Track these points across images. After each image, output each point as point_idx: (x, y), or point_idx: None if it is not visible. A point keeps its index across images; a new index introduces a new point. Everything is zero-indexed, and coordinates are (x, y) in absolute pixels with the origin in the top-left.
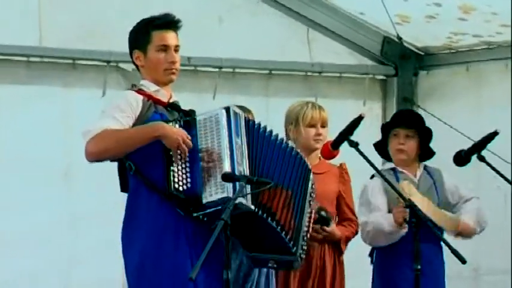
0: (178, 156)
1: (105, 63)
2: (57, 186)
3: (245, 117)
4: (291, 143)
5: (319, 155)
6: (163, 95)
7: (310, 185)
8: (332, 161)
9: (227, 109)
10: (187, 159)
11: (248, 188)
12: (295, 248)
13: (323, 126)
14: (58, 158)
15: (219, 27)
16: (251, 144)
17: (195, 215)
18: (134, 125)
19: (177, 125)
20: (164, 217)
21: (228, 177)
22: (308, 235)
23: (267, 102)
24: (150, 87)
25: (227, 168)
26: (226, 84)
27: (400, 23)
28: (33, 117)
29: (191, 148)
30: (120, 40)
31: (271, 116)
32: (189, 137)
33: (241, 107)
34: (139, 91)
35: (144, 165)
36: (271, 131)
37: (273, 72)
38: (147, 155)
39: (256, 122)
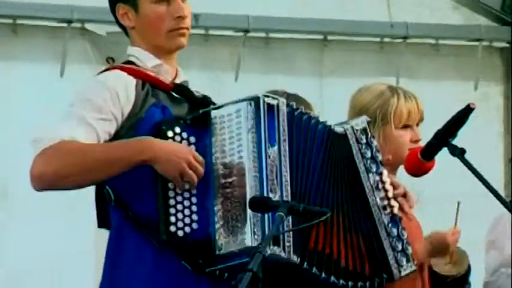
0: (181, 187)
1: (65, 24)
2: None
3: (290, 109)
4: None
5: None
6: (166, 71)
7: (369, 180)
8: None
9: (255, 101)
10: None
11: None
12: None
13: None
14: None
15: None
16: (297, 153)
17: (208, 270)
18: (121, 129)
19: (182, 133)
20: (165, 275)
21: (258, 205)
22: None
23: (320, 85)
24: (147, 61)
25: (250, 196)
26: (255, 56)
27: None
28: None
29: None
30: None
31: (327, 107)
32: (200, 159)
33: (291, 96)
34: (131, 69)
35: (130, 194)
36: (329, 130)
37: (329, 38)
38: (135, 180)
39: (309, 116)
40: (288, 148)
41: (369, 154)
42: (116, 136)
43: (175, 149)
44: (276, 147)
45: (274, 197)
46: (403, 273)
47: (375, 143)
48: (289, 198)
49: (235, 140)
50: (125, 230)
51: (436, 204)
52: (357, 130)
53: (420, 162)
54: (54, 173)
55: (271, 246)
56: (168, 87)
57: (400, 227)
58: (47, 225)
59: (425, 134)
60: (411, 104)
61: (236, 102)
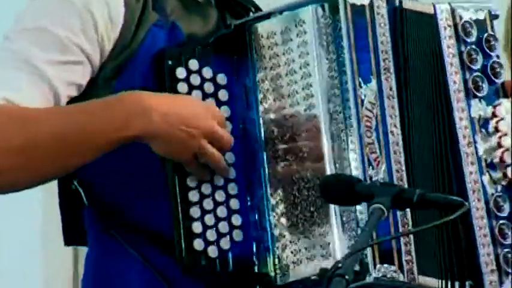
0: (202, 176)
1: None
2: None
3: (391, 7)
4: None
5: None
6: None
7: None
8: None
9: (331, 1)
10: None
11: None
12: None
13: None
14: None
15: None
16: (407, 85)
17: None
18: (102, 72)
19: (202, 69)
20: None
21: (333, 192)
22: None
23: None
24: None
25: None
26: None
27: None
28: None
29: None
30: None
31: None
32: (222, 118)
33: None
34: None
35: (116, 189)
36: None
37: None
38: (125, 162)
39: (421, 14)
40: (396, 81)
41: (478, 64)
42: (92, 86)
43: (186, 115)
44: (373, 83)
45: (375, 174)
46: None
47: (497, 47)
48: (404, 175)
49: (298, 77)
50: (113, 247)
51: None
52: (467, 23)
53: None
54: None
55: (378, 265)
56: None
57: None
58: None
59: None
60: None
61: (295, 6)
